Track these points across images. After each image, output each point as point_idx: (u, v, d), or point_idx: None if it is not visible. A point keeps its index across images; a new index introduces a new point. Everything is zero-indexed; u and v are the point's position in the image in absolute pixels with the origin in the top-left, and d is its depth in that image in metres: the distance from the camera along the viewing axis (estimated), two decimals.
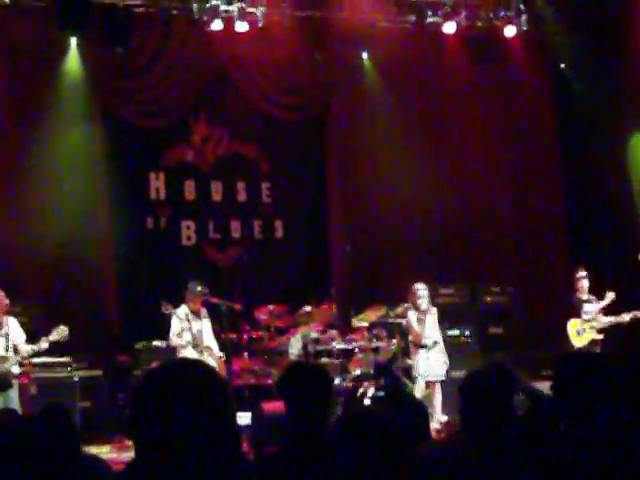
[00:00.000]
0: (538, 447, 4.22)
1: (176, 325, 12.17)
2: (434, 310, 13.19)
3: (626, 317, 13.44)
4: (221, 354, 12.48)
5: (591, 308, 13.66)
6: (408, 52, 16.09)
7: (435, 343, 12.92)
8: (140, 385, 2.38)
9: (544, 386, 11.63)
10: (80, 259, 14.32)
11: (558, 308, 14.78)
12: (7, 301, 11.39)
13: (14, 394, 11.09)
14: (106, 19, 14.00)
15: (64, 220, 14.18)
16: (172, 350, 12.23)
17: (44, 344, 11.29)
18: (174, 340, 12.18)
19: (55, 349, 11.68)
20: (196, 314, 12.40)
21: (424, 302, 13.03)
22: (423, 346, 12.86)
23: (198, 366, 2.44)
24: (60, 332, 11.39)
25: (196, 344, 12.09)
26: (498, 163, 16.84)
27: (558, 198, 17.16)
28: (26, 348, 11.26)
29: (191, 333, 12.15)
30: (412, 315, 12.99)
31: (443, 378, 12.71)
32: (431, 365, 12.68)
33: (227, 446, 2.35)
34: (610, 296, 13.56)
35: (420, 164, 16.28)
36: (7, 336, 11.28)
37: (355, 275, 14.32)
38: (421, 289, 13.08)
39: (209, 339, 12.49)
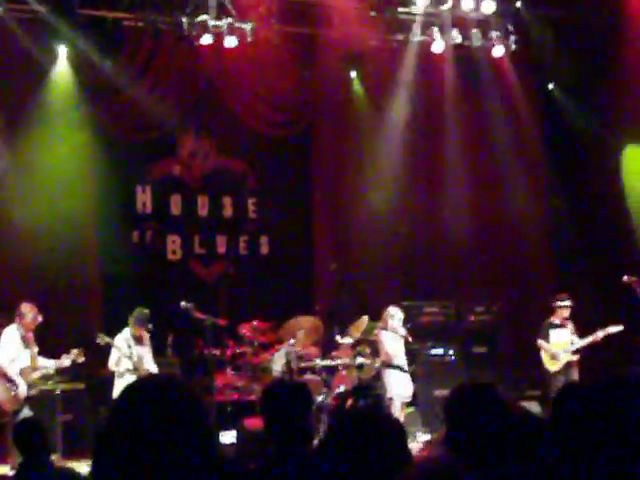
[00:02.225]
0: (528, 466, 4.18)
1: (114, 354, 12.16)
2: (408, 334, 13.27)
3: (600, 334, 13.45)
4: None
5: (558, 334, 13.70)
6: (395, 70, 16.14)
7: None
8: (114, 406, 2.36)
9: (530, 406, 11.74)
10: (65, 273, 14.29)
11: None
12: (40, 318, 11.57)
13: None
14: (95, 31, 13.99)
15: (50, 234, 14.16)
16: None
17: (66, 361, 11.72)
18: (112, 368, 12.18)
19: None
20: (138, 339, 12.34)
21: (397, 323, 13.09)
22: (399, 367, 12.92)
23: (173, 385, 2.42)
24: (75, 354, 11.77)
25: (135, 368, 12.04)
26: (485, 181, 16.84)
27: (545, 217, 17.19)
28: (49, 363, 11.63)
29: (131, 359, 12.11)
30: (385, 335, 13.04)
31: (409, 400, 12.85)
32: (406, 386, 12.71)
33: (205, 463, 2.33)
34: (598, 336, 13.51)
35: (406, 182, 16.32)
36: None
37: (340, 292, 14.27)
38: (396, 312, 13.15)
39: (149, 364, 12.42)
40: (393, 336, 13.13)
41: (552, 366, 13.52)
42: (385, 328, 13.12)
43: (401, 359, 13.12)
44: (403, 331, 13.18)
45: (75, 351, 11.82)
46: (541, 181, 17.30)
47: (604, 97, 15.79)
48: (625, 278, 13.02)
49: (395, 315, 13.17)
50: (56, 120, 14.48)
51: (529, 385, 14.32)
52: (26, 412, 11.19)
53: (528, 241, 16.93)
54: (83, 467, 10.17)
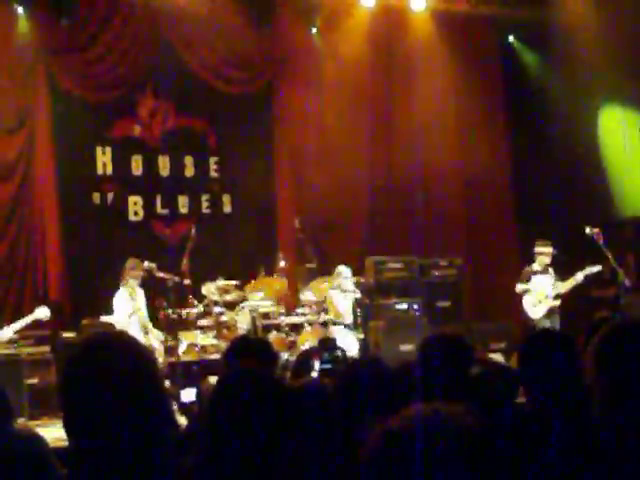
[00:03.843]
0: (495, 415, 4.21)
1: (125, 305, 12.16)
2: (358, 292, 13.30)
3: (580, 276, 13.42)
4: (160, 334, 12.50)
5: (540, 281, 13.64)
6: (356, 25, 16.10)
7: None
8: (67, 361, 2.36)
9: (495, 358, 11.81)
10: (25, 235, 14.24)
11: (507, 280, 14.83)
12: None
13: None
14: None
15: (8, 195, 14.12)
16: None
17: (29, 319, 11.67)
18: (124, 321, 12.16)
19: None
20: (133, 293, 12.36)
21: (347, 283, 13.13)
22: (344, 325, 12.99)
23: (124, 342, 2.42)
24: (42, 312, 11.69)
25: (143, 325, 12.09)
26: (447, 135, 16.88)
27: (506, 169, 17.26)
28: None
29: (137, 315, 12.14)
30: (335, 294, 13.10)
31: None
32: (350, 345, 12.73)
33: (158, 422, 2.33)
34: (578, 278, 13.49)
35: (369, 137, 16.34)
36: None
37: (303, 250, 14.27)
38: (345, 271, 13.20)
39: (146, 318, 12.49)
40: (343, 295, 13.20)
41: (535, 313, 13.47)
42: (335, 287, 13.20)
43: (349, 318, 13.19)
44: (352, 289, 13.24)
45: (40, 309, 11.76)
46: (502, 133, 17.35)
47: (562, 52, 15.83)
48: (587, 230, 13.01)
49: (344, 273, 13.23)
50: (14, 81, 14.34)
51: (493, 338, 14.38)
52: None
53: (490, 194, 16.99)
54: (51, 429, 10.17)
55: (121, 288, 12.28)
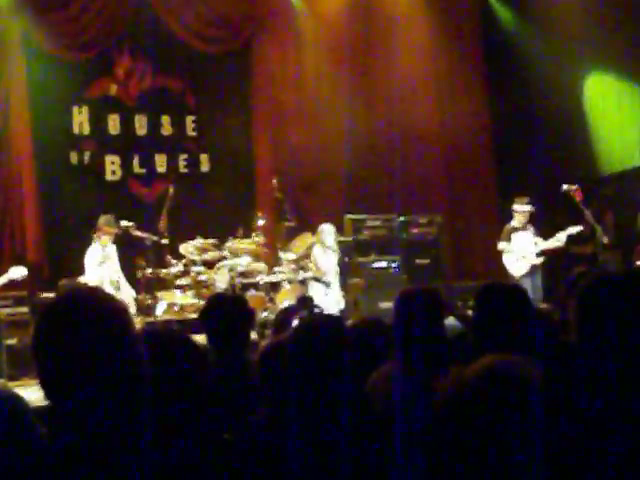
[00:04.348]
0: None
1: (96, 262, 12.13)
2: (337, 251, 13.33)
3: (562, 236, 13.38)
4: (132, 292, 12.49)
5: (520, 238, 13.63)
6: None
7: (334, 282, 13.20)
8: (39, 319, 2.34)
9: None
10: (2, 196, 14.20)
11: (486, 236, 14.86)
12: None
13: None
14: None
15: None
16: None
17: (4, 279, 11.39)
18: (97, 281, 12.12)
19: None
20: (106, 250, 12.34)
21: (329, 240, 13.14)
22: (325, 283, 13.00)
23: (96, 296, 2.40)
24: (18, 272, 11.49)
25: (113, 282, 12.06)
26: (426, 93, 16.85)
27: (485, 125, 17.24)
28: None
29: (108, 270, 12.13)
30: (318, 251, 13.11)
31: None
32: (329, 303, 12.71)
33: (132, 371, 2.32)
34: (560, 238, 13.46)
35: (347, 94, 16.28)
36: None
37: (282, 208, 14.23)
38: (328, 228, 13.21)
39: (119, 274, 12.49)
40: (325, 252, 13.21)
41: (516, 270, 13.46)
42: (318, 244, 13.21)
43: (332, 276, 13.19)
44: (334, 247, 13.25)
45: (15, 268, 11.70)
46: (482, 90, 17.31)
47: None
48: (565, 187, 12.99)
49: (326, 231, 13.23)
50: None
51: (472, 295, 14.39)
52: None
53: (469, 152, 16.97)
54: (30, 390, 10.18)
55: (92, 245, 12.22)
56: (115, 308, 2.37)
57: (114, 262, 12.46)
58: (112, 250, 12.45)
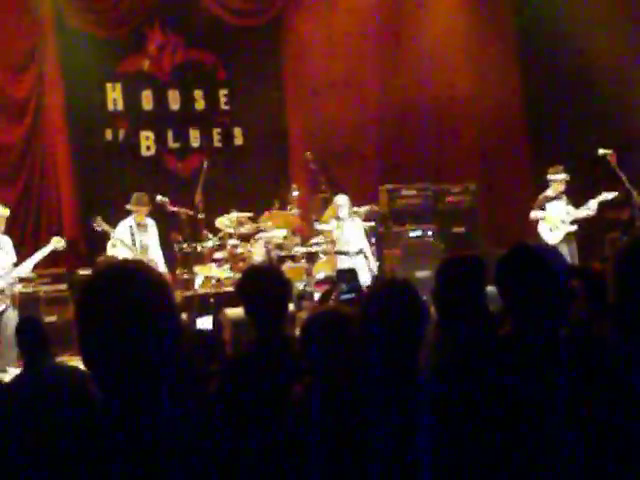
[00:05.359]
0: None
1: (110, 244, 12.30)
2: (357, 220, 13.29)
3: (593, 204, 13.34)
4: (165, 270, 12.53)
5: (555, 207, 13.60)
6: None
7: (359, 251, 13.09)
8: (80, 296, 2.36)
9: None
10: (38, 174, 14.35)
11: (520, 205, 14.79)
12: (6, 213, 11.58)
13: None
14: None
15: (20, 135, 14.22)
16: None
17: (47, 250, 11.71)
18: (109, 251, 12.31)
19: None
20: (141, 227, 12.41)
21: (342, 211, 13.12)
22: (345, 253, 13.00)
23: (139, 269, 2.41)
24: (56, 242, 11.73)
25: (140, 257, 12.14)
26: (458, 60, 16.70)
27: (518, 93, 17.08)
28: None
29: (134, 248, 12.17)
30: (333, 224, 13.12)
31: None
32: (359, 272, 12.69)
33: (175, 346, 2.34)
34: (592, 207, 13.41)
35: (379, 64, 16.23)
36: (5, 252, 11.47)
37: (316, 179, 14.23)
38: (340, 200, 13.17)
39: (155, 252, 12.55)
40: (341, 224, 13.18)
41: (551, 238, 13.41)
42: (333, 217, 13.21)
43: (354, 246, 13.15)
44: (343, 214, 13.20)
45: (55, 239, 11.82)
46: (515, 57, 17.16)
47: None
48: (600, 151, 12.93)
49: (340, 203, 13.21)
50: (22, 19, 14.33)
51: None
52: (10, 312, 11.22)
53: (503, 120, 16.83)
54: None
55: (121, 223, 12.35)
56: (157, 281, 2.38)
57: (149, 240, 12.53)
58: (151, 228, 12.56)
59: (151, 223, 12.64)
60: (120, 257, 11.99)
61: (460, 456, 3.15)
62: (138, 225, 12.43)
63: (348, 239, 13.14)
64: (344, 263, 12.80)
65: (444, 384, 3.38)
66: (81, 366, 2.38)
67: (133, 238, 12.26)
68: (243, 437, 2.72)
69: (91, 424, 2.30)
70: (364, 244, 13.28)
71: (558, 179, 13.56)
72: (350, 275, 11.81)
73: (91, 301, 2.32)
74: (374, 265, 13.19)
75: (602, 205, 13.43)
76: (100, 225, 12.18)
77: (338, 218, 13.20)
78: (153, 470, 2.23)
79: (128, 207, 12.47)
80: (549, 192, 13.65)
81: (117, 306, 2.26)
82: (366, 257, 13.20)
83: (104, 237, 12.45)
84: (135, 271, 2.39)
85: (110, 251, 12.27)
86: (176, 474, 2.25)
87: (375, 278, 12.77)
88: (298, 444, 3.36)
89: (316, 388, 3.62)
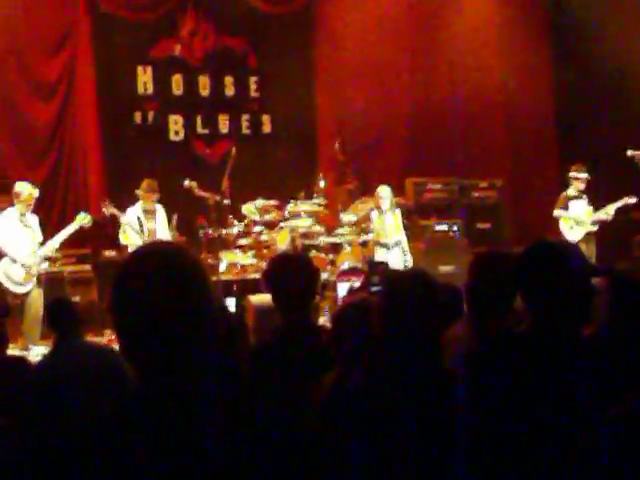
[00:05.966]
0: None
1: (121, 228, 12.32)
2: (398, 211, 13.25)
3: (611, 209, 13.38)
4: None
5: (577, 205, 13.61)
6: None
7: (397, 244, 13.04)
8: (117, 276, 2.34)
9: None
10: (67, 155, 14.42)
11: (546, 203, 14.75)
12: (36, 193, 11.55)
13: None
14: None
15: (50, 116, 14.31)
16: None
17: (73, 227, 11.73)
18: (123, 242, 12.36)
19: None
20: (149, 213, 12.44)
21: (385, 203, 13.07)
22: (383, 245, 12.97)
23: (178, 249, 2.42)
24: (81, 219, 11.75)
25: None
26: (489, 54, 16.65)
27: (548, 90, 17.04)
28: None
29: (142, 234, 12.19)
30: (374, 215, 13.08)
31: None
32: (392, 264, 12.68)
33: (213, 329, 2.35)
34: (609, 211, 13.42)
35: (410, 54, 16.21)
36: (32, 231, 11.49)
37: (343, 170, 14.23)
38: (383, 191, 13.13)
39: (163, 238, 12.56)
40: (381, 215, 13.13)
41: (572, 236, 13.40)
42: (375, 208, 13.18)
43: (392, 238, 13.12)
44: (386, 206, 13.15)
45: (81, 215, 11.84)
46: (545, 54, 17.10)
47: None
48: (629, 152, 12.91)
49: (382, 194, 13.16)
50: (55, 2, 14.45)
51: None
52: (35, 292, 11.28)
53: (531, 116, 16.79)
54: None
55: (129, 209, 12.41)
56: (194, 263, 2.38)
57: (158, 226, 12.55)
58: (159, 214, 12.59)
59: (159, 209, 12.65)
60: (131, 243, 12.06)
61: (491, 447, 3.17)
62: (146, 211, 12.43)
63: (388, 231, 13.10)
64: (380, 255, 12.80)
65: (475, 377, 3.39)
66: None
67: (141, 223, 12.25)
68: (273, 422, 2.72)
69: (127, 402, 2.31)
70: (402, 237, 13.24)
71: (579, 177, 13.57)
72: (382, 267, 11.83)
73: (129, 284, 2.30)
74: (410, 260, 13.13)
75: (625, 208, 13.43)
76: (108, 209, 12.20)
77: (379, 209, 13.14)
78: (187, 454, 2.24)
79: (137, 192, 12.49)
80: (570, 191, 13.69)
81: (155, 289, 2.26)
82: (403, 251, 13.14)
83: (112, 221, 12.48)
84: (172, 253, 2.39)
85: (121, 237, 12.28)
86: (211, 459, 2.26)
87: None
88: (332, 433, 3.38)
89: (349, 379, 3.63)
